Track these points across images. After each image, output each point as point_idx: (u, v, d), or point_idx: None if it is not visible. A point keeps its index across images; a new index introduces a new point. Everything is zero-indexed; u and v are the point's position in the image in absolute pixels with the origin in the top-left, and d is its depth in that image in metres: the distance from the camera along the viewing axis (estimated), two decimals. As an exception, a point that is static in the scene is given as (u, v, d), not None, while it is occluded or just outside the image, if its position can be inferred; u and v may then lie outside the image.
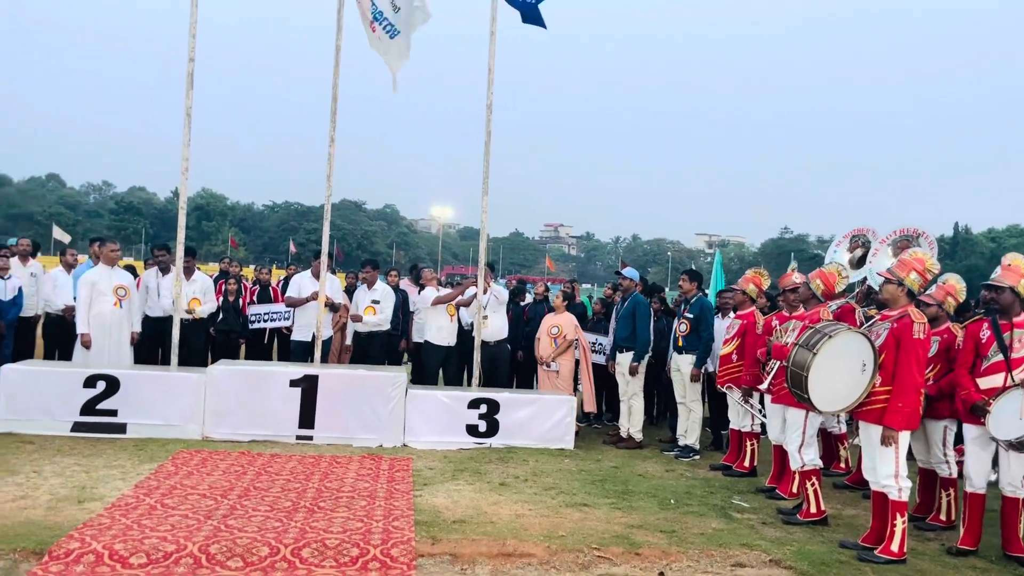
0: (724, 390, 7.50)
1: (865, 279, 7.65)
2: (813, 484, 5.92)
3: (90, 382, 7.32)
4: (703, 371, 8.05)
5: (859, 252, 8.16)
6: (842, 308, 6.50)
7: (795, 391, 5.39)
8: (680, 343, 8.08)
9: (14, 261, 9.71)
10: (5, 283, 9.20)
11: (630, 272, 8.60)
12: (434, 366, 9.21)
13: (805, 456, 5.96)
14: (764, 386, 6.37)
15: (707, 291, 10.03)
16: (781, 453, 6.62)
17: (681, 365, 8.12)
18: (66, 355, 9.31)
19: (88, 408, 7.27)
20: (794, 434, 6.01)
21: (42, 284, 9.83)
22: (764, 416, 7.05)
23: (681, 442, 8.12)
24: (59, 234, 48.38)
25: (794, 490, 6.41)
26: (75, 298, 8.85)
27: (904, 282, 5.27)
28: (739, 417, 7.51)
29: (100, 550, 4.41)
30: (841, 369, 5.15)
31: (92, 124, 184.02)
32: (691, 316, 8.01)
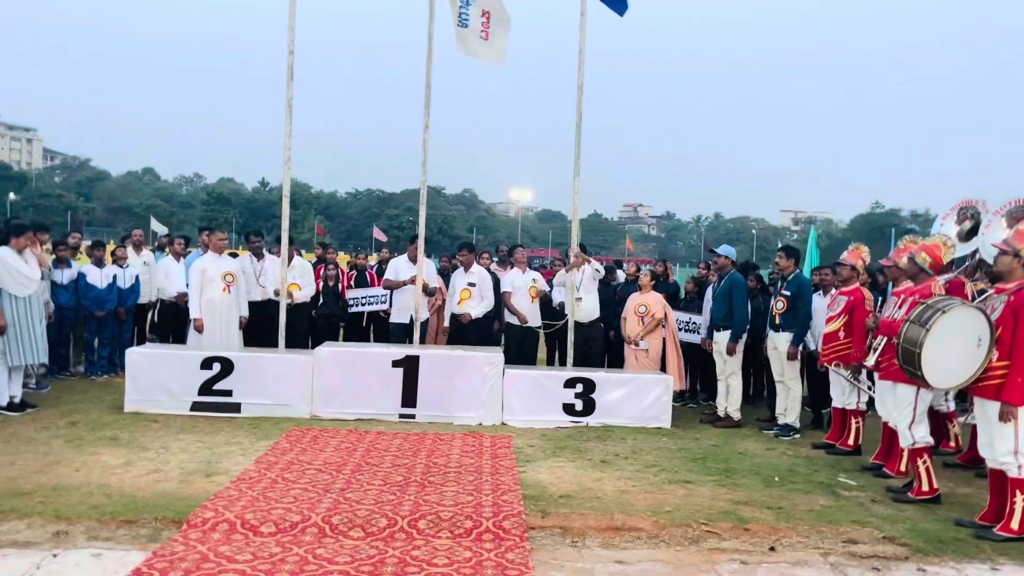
0: (832, 368, 7.37)
1: (976, 252, 7.38)
2: (924, 462, 5.80)
3: (206, 364, 7.72)
4: (801, 349, 7.93)
5: (968, 224, 7.85)
6: (951, 283, 6.31)
7: (907, 368, 5.28)
8: (777, 321, 7.97)
9: (128, 251, 10.31)
10: (124, 272, 9.77)
11: (726, 250, 8.51)
12: (513, 344, 9.36)
13: (916, 433, 5.83)
14: (871, 362, 6.24)
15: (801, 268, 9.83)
16: (890, 431, 6.49)
17: (778, 343, 8.01)
18: (179, 339, 9.84)
19: (205, 388, 7.67)
20: (904, 411, 5.89)
21: (155, 272, 10.40)
22: (871, 390, 6.91)
23: (781, 421, 8.04)
24: (156, 225, 50.72)
25: (903, 468, 6.29)
26: (187, 285, 9.33)
27: (1021, 253, 5.10)
28: (843, 395, 7.37)
29: (232, 519, 4.69)
30: (956, 345, 5.02)
31: (183, 118, 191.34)
32: (788, 294, 7.89)
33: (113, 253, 9.95)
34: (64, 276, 9.26)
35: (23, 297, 7.37)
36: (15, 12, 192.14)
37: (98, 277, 9.49)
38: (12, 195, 77.67)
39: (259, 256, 9.67)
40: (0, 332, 7.05)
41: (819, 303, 8.21)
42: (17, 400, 7.47)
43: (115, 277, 9.61)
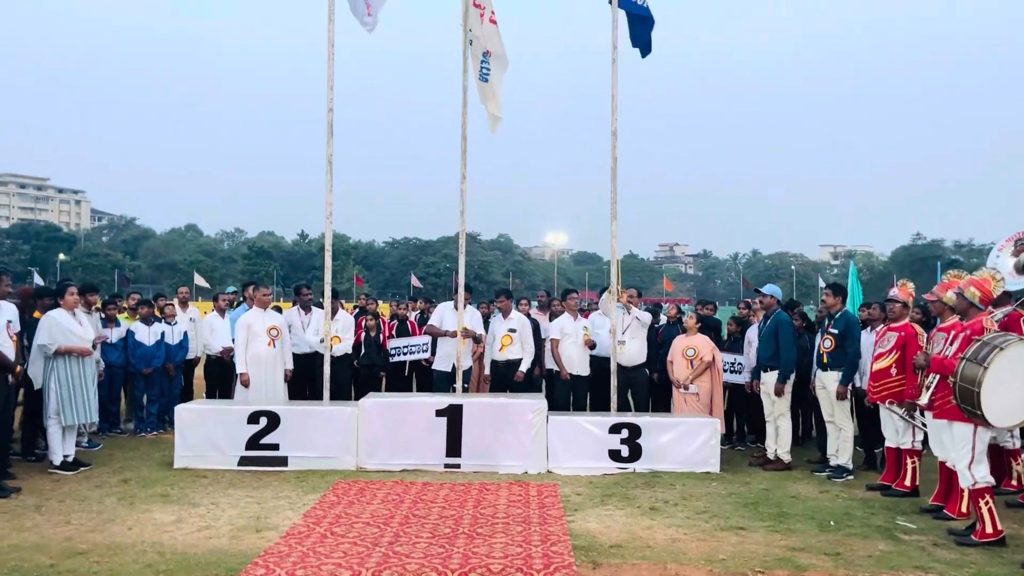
0: (885, 406, 7.20)
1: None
2: (987, 503, 5.61)
3: (253, 418, 7.80)
4: (850, 387, 7.78)
5: (1025, 256, 7.69)
6: (1009, 316, 6.16)
7: (965, 407, 5.15)
8: (825, 360, 7.84)
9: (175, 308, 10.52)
10: (172, 328, 9.97)
11: (771, 289, 8.43)
12: (563, 396, 9.29)
13: (976, 473, 5.66)
14: (924, 400, 6.09)
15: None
16: (947, 471, 6.29)
17: (827, 382, 7.87)
18: (225, 394, 9.97)
19: (253, 443, 7.74)
20: (963, 450, 5.72)
21: (201, 328, 10.60)
22: (925, 426, 6.73)
23: (833, 462, 7.85)
24: (199, 280, 51.78)
25: (964, 509, 6.09)
26: (233, 340, 9.48)
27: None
28: (897, 434, 7.19)
29: (284, 576, 4.69)
30: (1016, 382, 4.90)
31: (224, 173, 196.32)
32: (836, 331, 7.77)
33: (161, 310, 10.16)
34: (113, 334, 9.48)
35: (76, 356, 7.54)
36: (61, 70, 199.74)
37: (146, 334, 9.70)
38: (62, 256, 79.98)
39: (307, 309, 9.81)
40: (17, 378, 7.08)
41: (866, 339, 8.07)
42: (71, 459, 7.60)
43: (163, 334, 9.81)
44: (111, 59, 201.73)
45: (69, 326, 7.53)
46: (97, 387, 8.00)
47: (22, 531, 5.65)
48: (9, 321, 6.93)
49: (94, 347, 7.97)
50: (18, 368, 6.93)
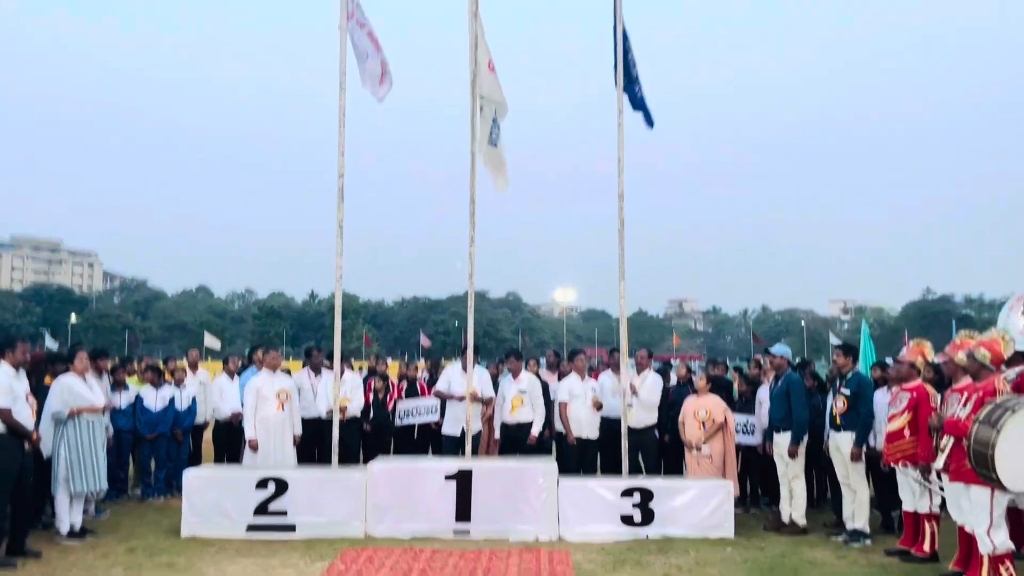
0: (899, 468, 7.10)
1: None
2: (1008, 569, 5.50)
3: (262, 484, 7.74)
4: (864, 449, 7.69)
5: (1034, 316, 7.67)
6: (1021, 376, 6.12)
7: (980, 470, 5.09)
8: (838, 420, 7.76)
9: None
10: (181, 392, 9.97)
11: (780, 349, 8.40)
12: (572, 459, 9.20)
13: (995, 539, 5.55)
14: (939, 464, 6.01)
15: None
16: (967, 535, 6.17)
17: (840, 444, 7.77)
18: (234, 459, 9.93)
19: (261, 509, 7.67)
20: (980, 515, 5.62)
21: (210, 392, 10.59)
22: (943, 490, 6.62)
23: (849, 526, 7.71)
24: (210, 341, 51.91)
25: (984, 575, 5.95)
26: (241, 404, 9.47)
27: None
28: (914, 497, 7.07)
29: (291, 650, 4.60)
30: (1030, 444, 4.83)
31: (235, 235, 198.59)
32: (848, 392, 7.71)
33: (172, 373, 10.18)
34: (122, 399, 9.48)
35: (87, 422, 7.54)
36: (76, 132, 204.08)
37: (154, 399, 9.70)
38: (73, 318, 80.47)
39: (317, 372, 9.82)
40: (34, 445, 7.05)
41: (881, 399, 8.00)
42: (77, 528, 7.53)
43: (172, 399, 9.81)
44: (125, 122, 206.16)
45: (81, 391, 7.54)
46: (106, 453, 7.98)
47: (27, 603, 5.58)
48: (27, 391, 6.98)
49: (104, 413, 7.97)
50: (34, 435, 6.92)
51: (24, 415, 6.83)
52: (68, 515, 7.45)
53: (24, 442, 6.83)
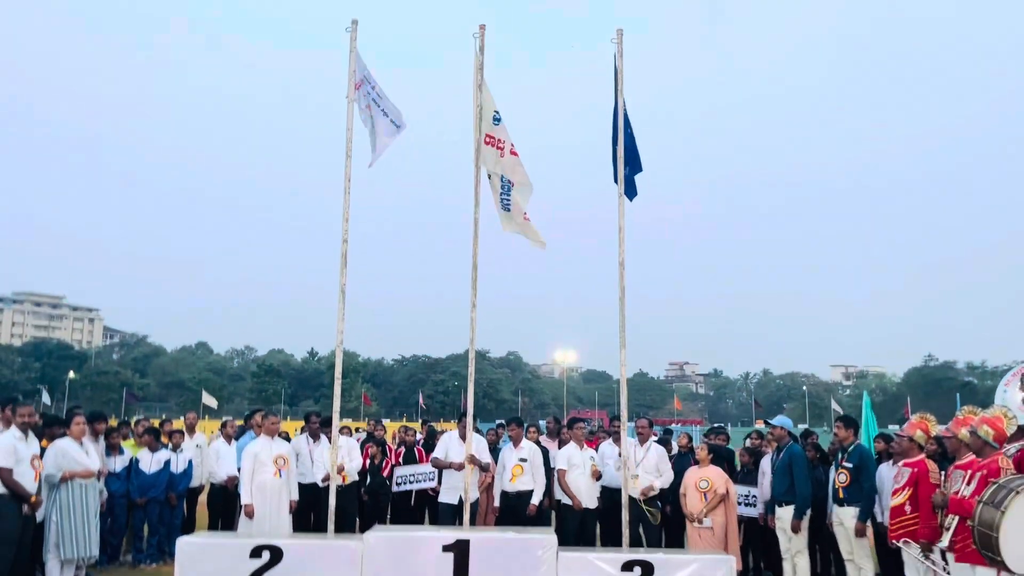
0: (900, 545, 6.99)
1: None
2: (1017, 653, 5.35)
3: (256, 552, 7.60)
4: (868, 523, 7.58)
5: (1032, 390, 7.66)
6: (1022, 451, 6.06)
7: (986, 553, 5.01)
8: (841, 495, 7.69)
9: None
10: (177, 456, 9.89)
11: (781, 420, 8.38)
12: (571, 529, 9.06)
13: (1004, 621, 5.43)
14: (944, 543, 5.92)
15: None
16: (974, 616, 6.04)
17: (844, 519, 7.68)
18: (229, 523, 9.78)
19: (254, 579, 7.52)
20: (988, 596, 5.51)
21: (207, 456, 10.51)
22: (948, 573, 6.50)
23: (856, 603, 7.57)
24: (208, 399, 51.58)
25: (994, 659, 5.81)
26: (238, 469, 9.37)
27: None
28: (919, 574, 6.94)
29: None
30: (1036, 526, 4.78)
31: (235, 291, 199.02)
32: (851, 466, 7.65)
33: (169, 436, 10.12)
34: (117, 464, 9.37)
35: (80, 486, 7.46)
36: (78, 187, 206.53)
37: (149, 462, 9.61)
38: (71, 374, 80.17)
39: (316, 438, 9.76)
40: (33, 508, 6.97)
41: (886, 472, 7.93)
42: (67, 595, 7.40)
43: (167, 462, 9.72)
44: (126, 178, 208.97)
45: (76, 456, 7.51)
46: (99, 518, 7.88)
47: (11, 677, 5.44)
48: (35, 454, 6.97)
49: (99, 478, 7.90)
50: (33, 498, 6.87)
51: (27, 478, 6.82)
52: (58, 582, 7.32)
53: (24, 505, 6.77)
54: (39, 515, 7.34)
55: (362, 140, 9.16)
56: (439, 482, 9.80)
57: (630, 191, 9.19)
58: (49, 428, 8.16)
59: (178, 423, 10.93)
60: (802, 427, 9.92)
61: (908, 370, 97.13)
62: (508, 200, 9.21)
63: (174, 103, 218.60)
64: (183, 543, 7.80)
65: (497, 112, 9.23)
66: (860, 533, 7.50)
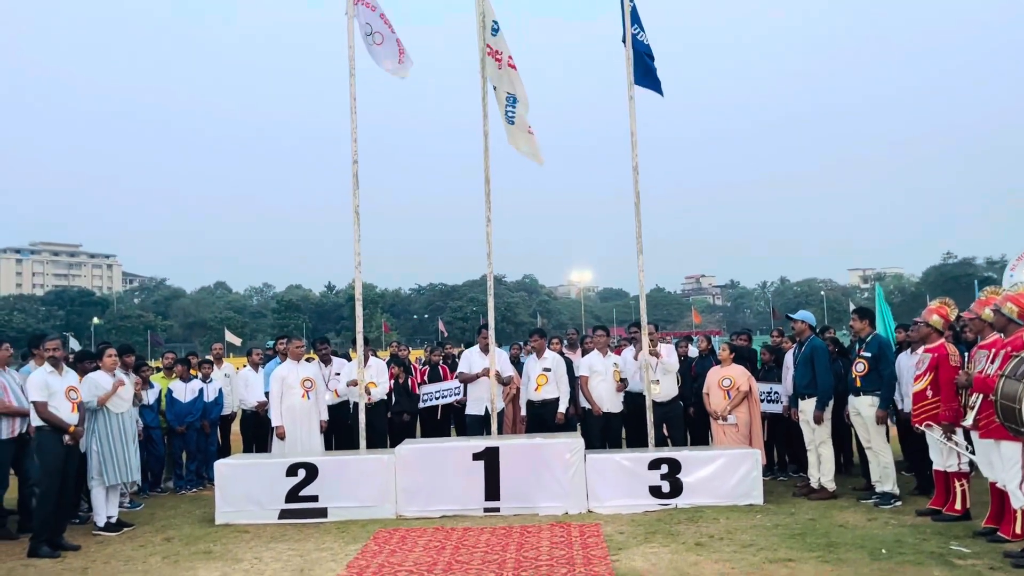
0: (923, 429, 7.07)
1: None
2: (1042, 523, 5.46)
3: (292, 471, 7.83)
4: (890, 411, 7.65)
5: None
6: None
7: (1009, 425, 5.06)
8: (859, 384, 7.73)
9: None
10: (208, 386, 10.08)
11: (803, 315, 8.36)
12: (597, 433, 9.22)
13: (1028, 493, 5.52)
14: (969, 422, 5.98)
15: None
16: (999, 491, 6.14)
17: (861, 408, 7.75)
18: (262, 448, 10.04)
19: (292, 495, 7.75)
20: (1012, 470, 5.60)
21: (236, 384, 10.70)
22: (972, 453, 6.59)
23: (878, 488, 7.69)
24: (230, 337, 52.25)
25: (1018, 531, 5.92)
26: (267, 394, 9.56)
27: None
28: (943, 457, 7.04)
29: (331, 628, 4.67)
30: (1060, 395, 4.80)
31: (250, 230, 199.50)
32: (869, 355, 7.67)
33: (198, 367, 10.29)
34: (149, 396, 9.58)
35: (116, 415, 7.64)
36: (89, 138, 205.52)
37: (183, 392, 9.81)
38: (96, 319, 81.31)
39: (327, 362, 9.92)
40: (74, 438, 7.19)
41: (905, 361, 7.96)
42: (114, 520, 7.66)
43: (200, 391, 9.92)
44: (134, 122, 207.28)
45: (108, 387, 7.64)
46: (137, 447, 8.09)
47: (70, 594, 5.69)
48: (69, 386, 7.12)
49: (134, 405, 8.10)
50: (72, 428, 7.04)
51: (64, 409, 6.99)
52: (104, 508, 7.58)
53: (64, 436, 6.96)
54: (81, 446, 7.54)
55: (365, 60, 9.01)
56: (465, 395, 9.95)
57: (653, 84, 9.03)
58: (81, 363, 8.31)
59: (209, 356, 11.09)
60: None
61: (926, 269, 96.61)
62: (512, 113, 9.05)
63: (188, 44, 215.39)
64: (221, 465, 8.05)
65: (496, 22, 9.01)
66: (881, 420, 7.58)
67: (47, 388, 7.00)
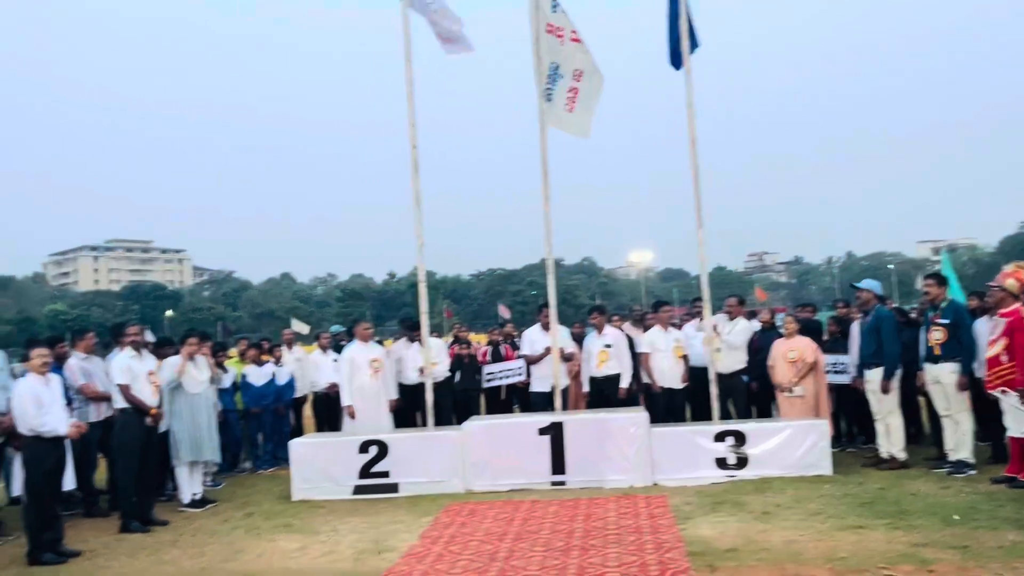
0: (997, 395, 6.93)
1: None
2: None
3: (364, 448, 8.08)
4: (968, 377, 7.49)
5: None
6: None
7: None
8: (937, 351, 7.58)
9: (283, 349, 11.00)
10: (280, 370, 10.43)
11: (868, 283, 8.23)
12: (660, 409, 9.24)
13: (1108, 457, 5.39)
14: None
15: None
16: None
17: (940, 376, 7.59)
18: (333, 429, 10.33)
19: (365, 472, 8.01)
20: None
21: (307, 367, 11.03)
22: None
23: (952, 457, 7.56)
24: (298, 326, 53.42)
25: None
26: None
27: None
28: (1018, 423, 6.89)
29: (407, 592, 4.86)
30: None
31: (313, 221, 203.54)
32: (946, 322, 7.50)
33: (270, 351, 10.66)
34: (225, 380, 9.96)
35: (193, 396, 8.00)
36: (161, 136, 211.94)
37: (257, 376, 10.18)
38: (169, 312, 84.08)
39: (412, 340, 10.25)
40: (155, 420, 7.58)
41: (980, 328, 7.79)
42: (198, 497, 8.03)
43: (273, 375, 10.27)
44: (198, 128, 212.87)
45: (187, 370, 8.00)
46: (216, 427, 8.45)
47: (162, 564, 6.03)
48: (150, 370, 7.49)
49: (212, 386, 8.46)
50: (153, 410, 7.40)
51: (145, 392, 7.36)
52: (189, 485, 7.96)
53: (146, 418, 7.33)
54: (162, 427, 7.92)
55: (422, 46, 9.15)
56: (529, 375, 10.08)
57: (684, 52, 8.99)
58: (161, 348, 8.71)
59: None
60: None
61: (1002, 239, 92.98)
62: (551, 90, 9.03)
63: (248, 41, 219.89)
64: (296, 444, 8.37)
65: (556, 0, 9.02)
66: (964, 387, 7.42)
67: (130, 371, 7.37)
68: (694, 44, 9.02)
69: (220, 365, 10.04)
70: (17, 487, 7.02)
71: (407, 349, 10.17)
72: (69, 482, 6.93)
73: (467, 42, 9.21)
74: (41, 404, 6.35)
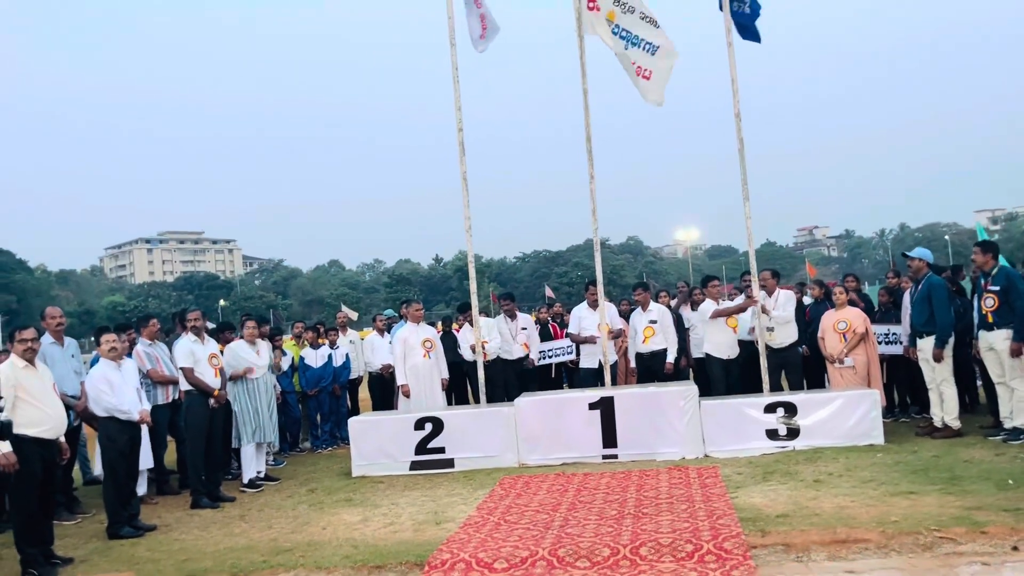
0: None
1: None
2: None
3: (419, 425, 8.32)
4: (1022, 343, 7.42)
5: None
6: None
7: None
8: (990, 319, 7.50)
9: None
10: (335, 352, 10.72)
11: (919, 252, 8.16)
12: (718, 379, 9.29)
13: None
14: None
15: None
16: None
17: (994, 343, 7.51)
18: (389, 408, 10.61)
19: (421, 448, 8.25)
20: None
21: (361, 349, 11.33)
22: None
23: (1007, 424, 7.50)
24: (347, 311, 54.25)
25: None
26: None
27: None
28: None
29: (468, 559, 5.07)
30: None
31: (360, 208, 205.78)
32: (997, 288, 7.43)
33: (325, 334, 10.96)
34: (283, 363, 10.29)
35: (254, 380, 8.30)
36: (208, 134, 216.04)
37: (314, 358, 10.49)
38: (222, 301, 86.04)
39: (512, 317, 10.52)
40: (218, 401, 7.85)
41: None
42: (262, 475, 8.37)
43: (330, 357, 10.57)
44: (247, 120, 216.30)
45: (246, 355, 8.31)
46: (276, 409, 8.76)
47: (233, 536, 6.33)
48: (212, 354, 7.81)
49: (272, 371, 8.76)
50: (216, 392, 7.72)
51: (208, 375, 7.67)
52: (253, 464, 8.28)
53: (209, 400, 7.65)
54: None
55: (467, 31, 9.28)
56: (577, 353, 10.21)
57: (750, 35, 8.94)
58: (222, 332, 9.05)
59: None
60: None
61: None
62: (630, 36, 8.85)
63: (292, 33, 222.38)
64: (354, 422, 8.64)
65: None
66: (1016, 353, 7.34)
67: (192, 355, 7.70)
68: (755, 13, 8.96)
69: (278, 348, 10.38)
70: (97, 468, 7.42)
71: (509, 325, 10.45)
72: (147, 460, 7.29)
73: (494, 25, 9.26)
74: (112, 386, 6.69)
